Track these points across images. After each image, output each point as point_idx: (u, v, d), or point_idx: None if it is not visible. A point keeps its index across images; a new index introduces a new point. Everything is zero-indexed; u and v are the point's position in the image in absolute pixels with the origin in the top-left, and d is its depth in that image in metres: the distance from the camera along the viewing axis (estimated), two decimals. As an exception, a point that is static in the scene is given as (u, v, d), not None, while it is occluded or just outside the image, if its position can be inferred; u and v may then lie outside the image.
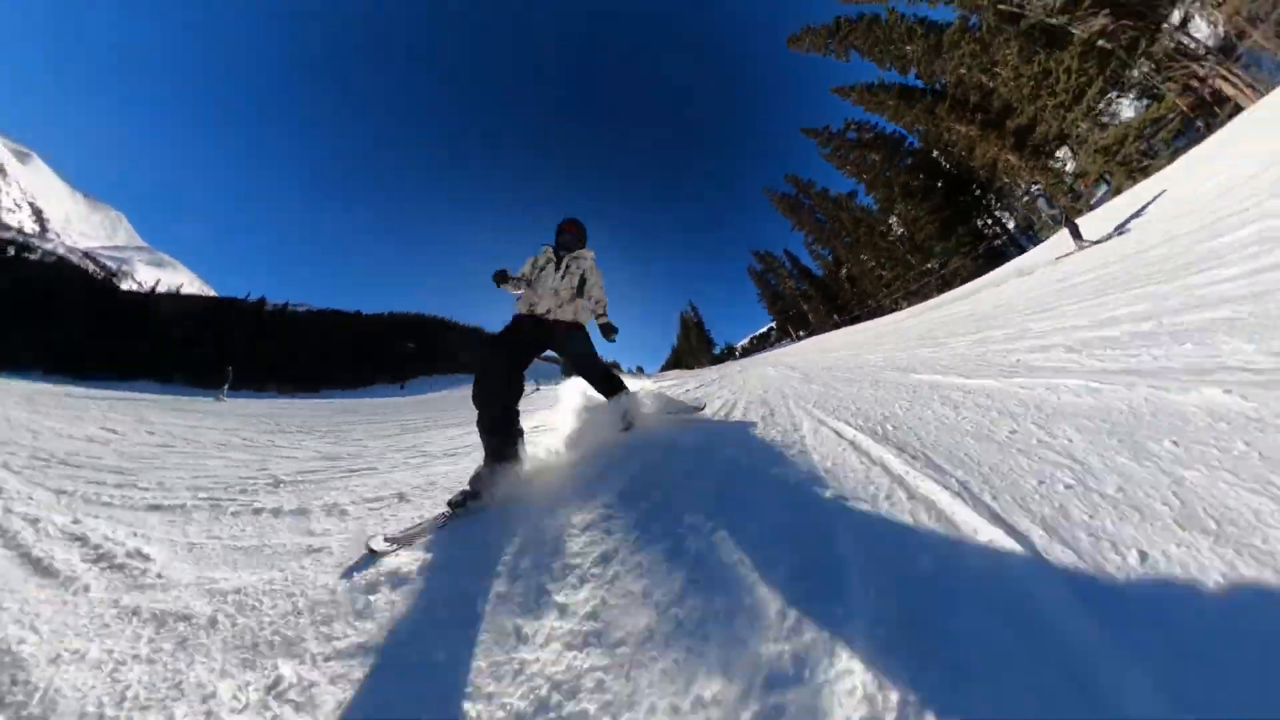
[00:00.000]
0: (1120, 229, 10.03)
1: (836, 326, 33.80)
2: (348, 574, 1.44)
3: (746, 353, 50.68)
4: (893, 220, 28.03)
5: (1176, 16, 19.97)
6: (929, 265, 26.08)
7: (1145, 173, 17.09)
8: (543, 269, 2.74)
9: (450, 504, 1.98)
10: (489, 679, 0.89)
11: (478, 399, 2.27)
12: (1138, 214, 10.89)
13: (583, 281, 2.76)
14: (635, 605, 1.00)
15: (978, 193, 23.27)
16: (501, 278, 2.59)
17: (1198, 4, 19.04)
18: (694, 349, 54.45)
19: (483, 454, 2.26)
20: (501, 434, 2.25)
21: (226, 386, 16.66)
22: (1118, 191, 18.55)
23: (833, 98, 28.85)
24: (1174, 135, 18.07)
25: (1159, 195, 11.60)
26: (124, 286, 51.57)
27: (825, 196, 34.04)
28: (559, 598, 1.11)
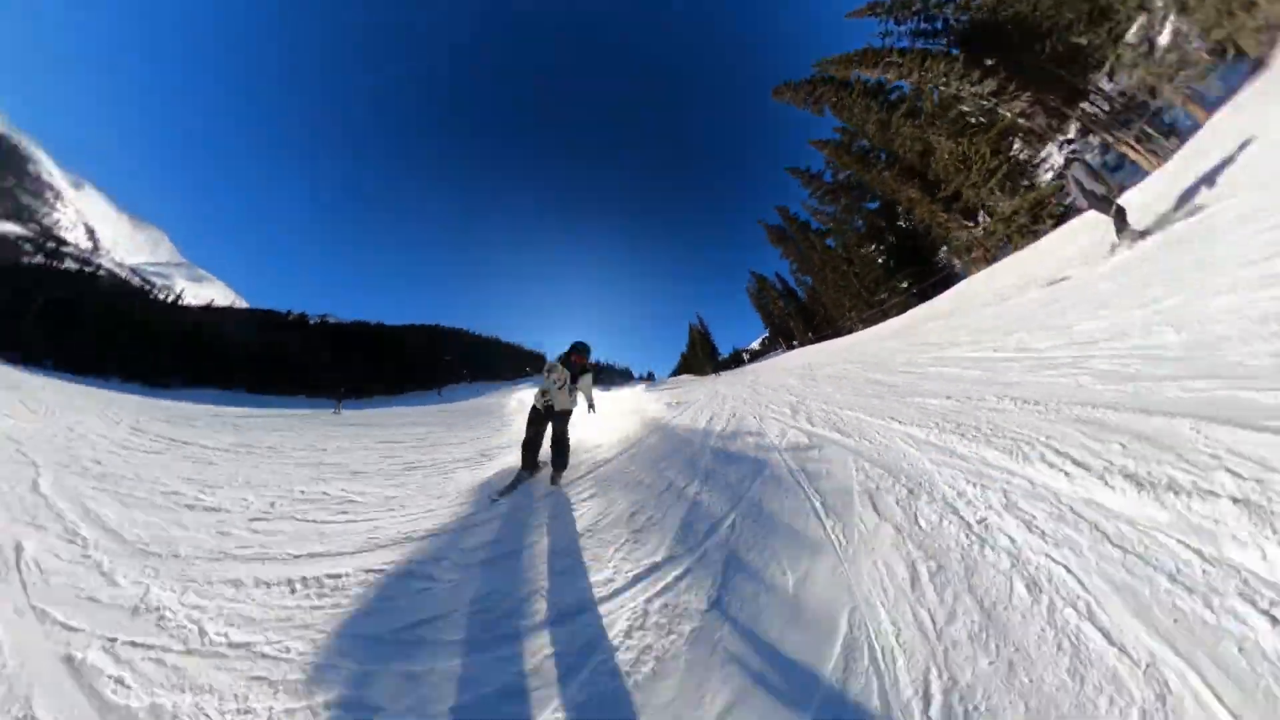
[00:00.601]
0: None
1: (811, 343, 38.97)
2: (485, 504, 4.20)
3: (756, 357, 56.06)
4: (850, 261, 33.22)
5: (1105, 82, 24.00)
6: (880, 297, 31.13)
7: (1035, 237, 21.84)
8: (560, 388, 4.93)
9: (509, 485, 4.66)
10: (537, 531, 3.29)
11: (524, 446, 4.95)
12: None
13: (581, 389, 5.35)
14: (610, 510, 3.51)
15: (916, 242, 28.35)
16: (543, 394, 4.87)
17: (1123, 66, 20.82)
18: (699, 358, 60.63)
19: (520, 463, 5.01)
20: (532, 461, 4.99)
21: (339, 403, 24.23)
22: (1017, 248, 23.27)
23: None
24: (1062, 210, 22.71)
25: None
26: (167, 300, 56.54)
27: (806, 232, 39.17)
28: (576, 510, 3.70)
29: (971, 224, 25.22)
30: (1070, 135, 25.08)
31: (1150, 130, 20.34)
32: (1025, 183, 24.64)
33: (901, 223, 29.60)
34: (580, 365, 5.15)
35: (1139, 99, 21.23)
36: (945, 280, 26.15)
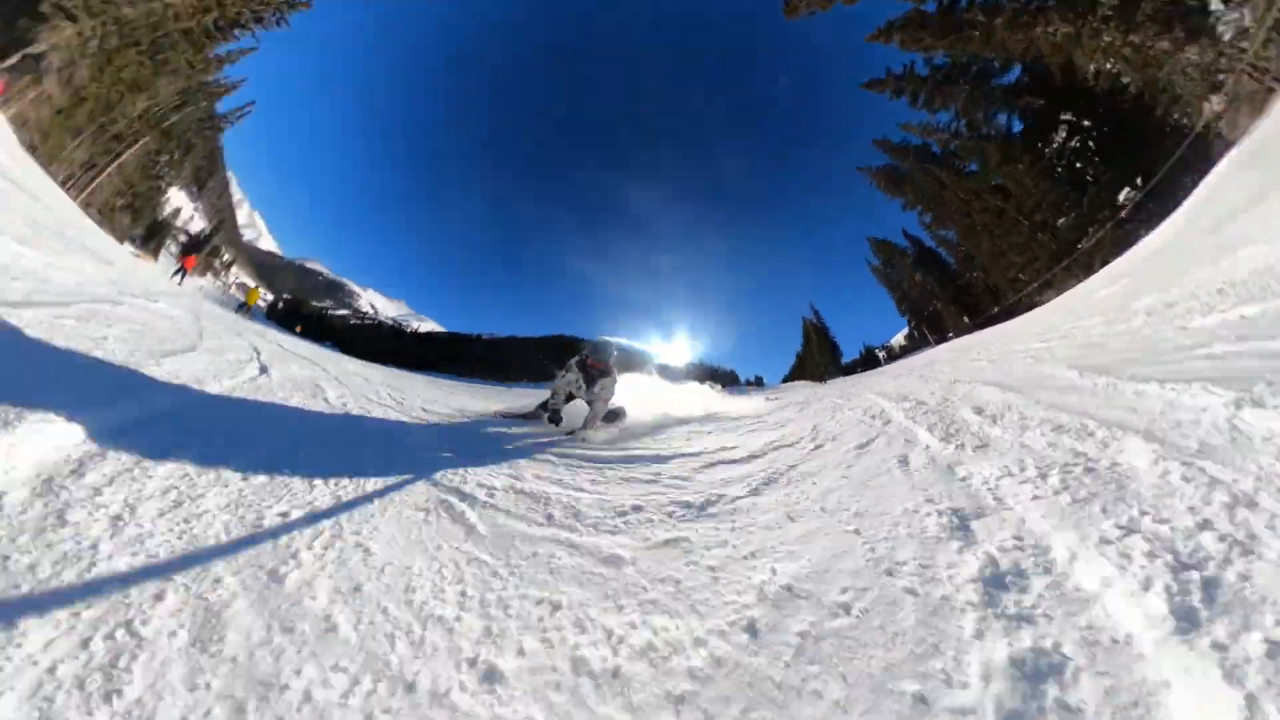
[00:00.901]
0: None
1: (970, 330, 24.50)
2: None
3: (893, 358, 40.84)
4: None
5: None
6: (1075, 235, 16.65)
7: None
8: (567, 399, 4.99)
9: (529, 413, 5.24)
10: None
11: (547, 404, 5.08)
12: None
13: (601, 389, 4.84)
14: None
15: (1117, 111, 13.67)
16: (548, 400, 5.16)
17: None
18: (816, 359, 47.03)
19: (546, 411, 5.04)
20: (555, 416, 4.94)
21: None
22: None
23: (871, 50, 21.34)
24: None
25: None
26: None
27: (926, 159, 25.44)
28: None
29: (1205, 40, 10.11)
30: None
31: None
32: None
33: (1064, 85, 15.37)
34: (598, 370, 4.73)
35: None
36: (1206, 151, 11.53)
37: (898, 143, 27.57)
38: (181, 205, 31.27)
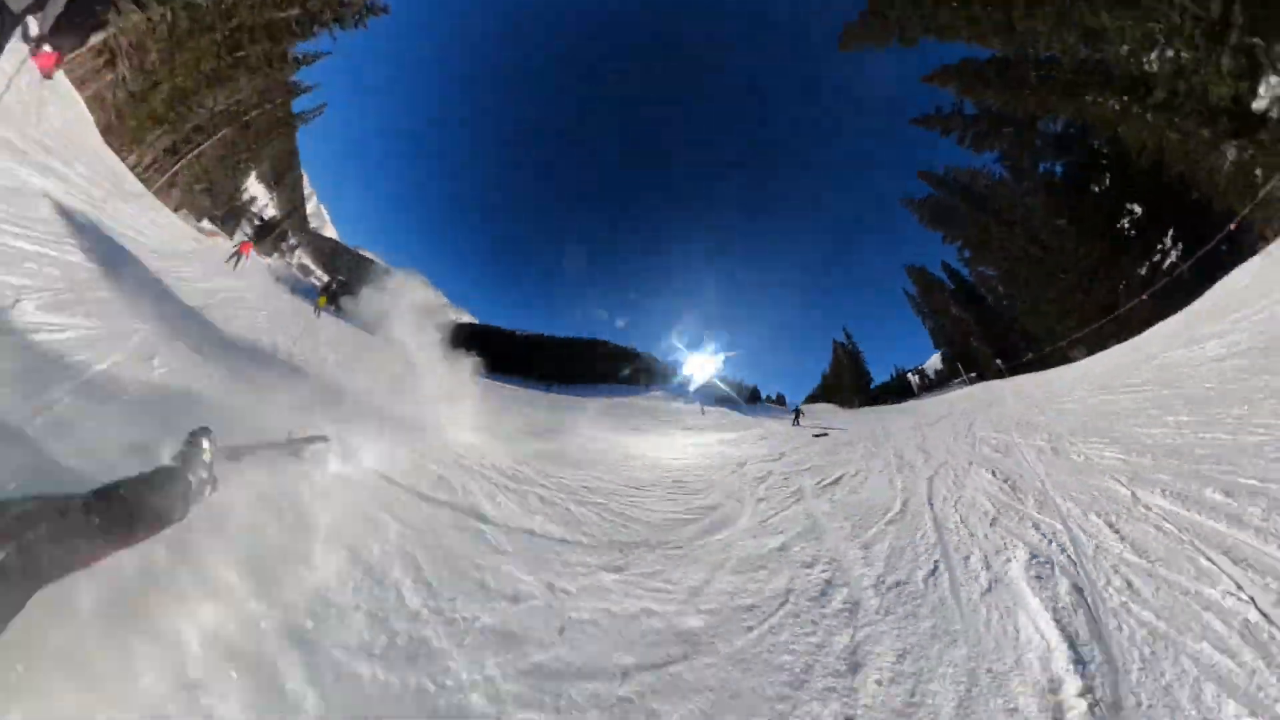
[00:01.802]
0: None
1: (999, 375, 24.34)
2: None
3: (926, 390, 40.33)
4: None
5: None
6: (1110, 292, 16.55)
7: None
8: None
9: None
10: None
11: None
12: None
13: None
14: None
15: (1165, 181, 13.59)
16: None
17: None
18: (844, 385, 46.57)
19: None
20: None
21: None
22: None
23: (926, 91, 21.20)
24: None
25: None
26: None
27: (970, 198, 25.21)
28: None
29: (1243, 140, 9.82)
30: None
31: None
32: None
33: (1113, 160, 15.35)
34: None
35: None
36: (1236, 246, 11.58)
37: (943, 174, 27.33)
38: (258, 194, 34.07)
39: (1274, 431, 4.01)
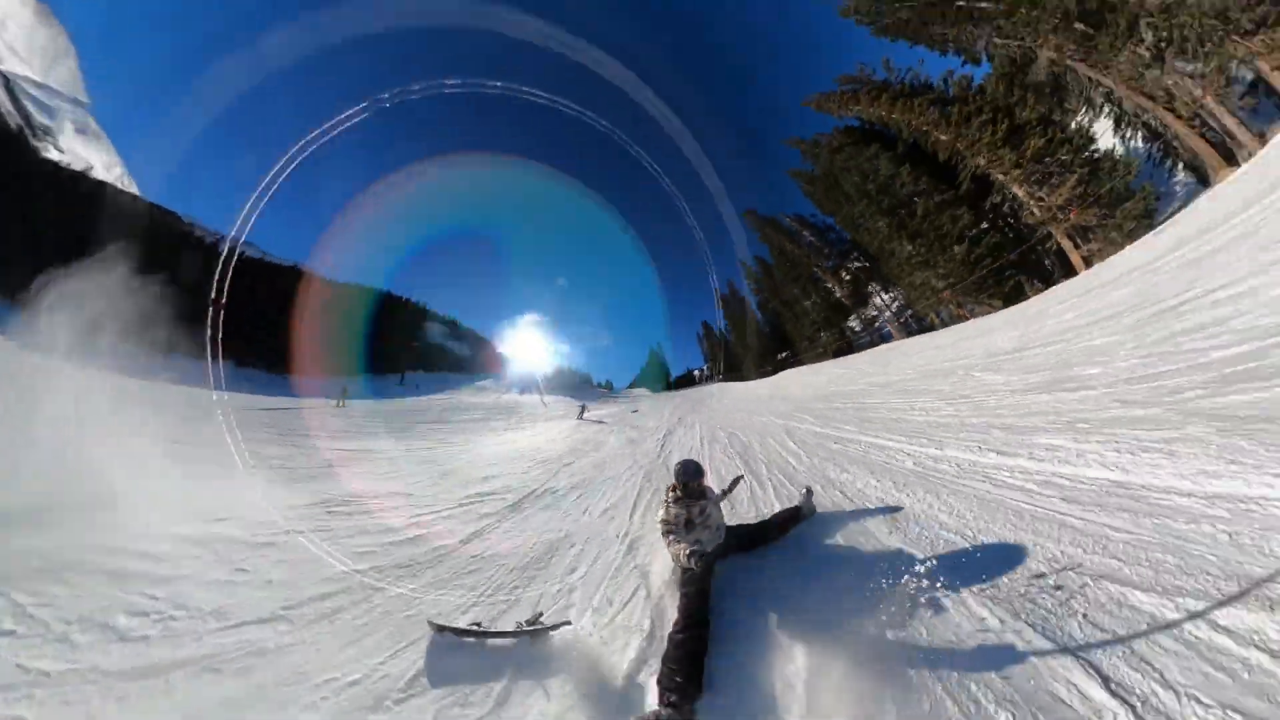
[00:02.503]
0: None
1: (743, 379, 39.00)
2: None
3: (703, 383, 58.26)
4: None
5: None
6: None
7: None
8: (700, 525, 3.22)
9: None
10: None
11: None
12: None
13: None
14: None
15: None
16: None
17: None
18: (654, 377, 68.76)
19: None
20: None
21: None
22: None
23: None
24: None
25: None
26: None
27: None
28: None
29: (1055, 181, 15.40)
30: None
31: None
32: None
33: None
34: (700, 489, 3.44)
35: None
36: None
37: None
38: None
39: (892, 409, 9.14)
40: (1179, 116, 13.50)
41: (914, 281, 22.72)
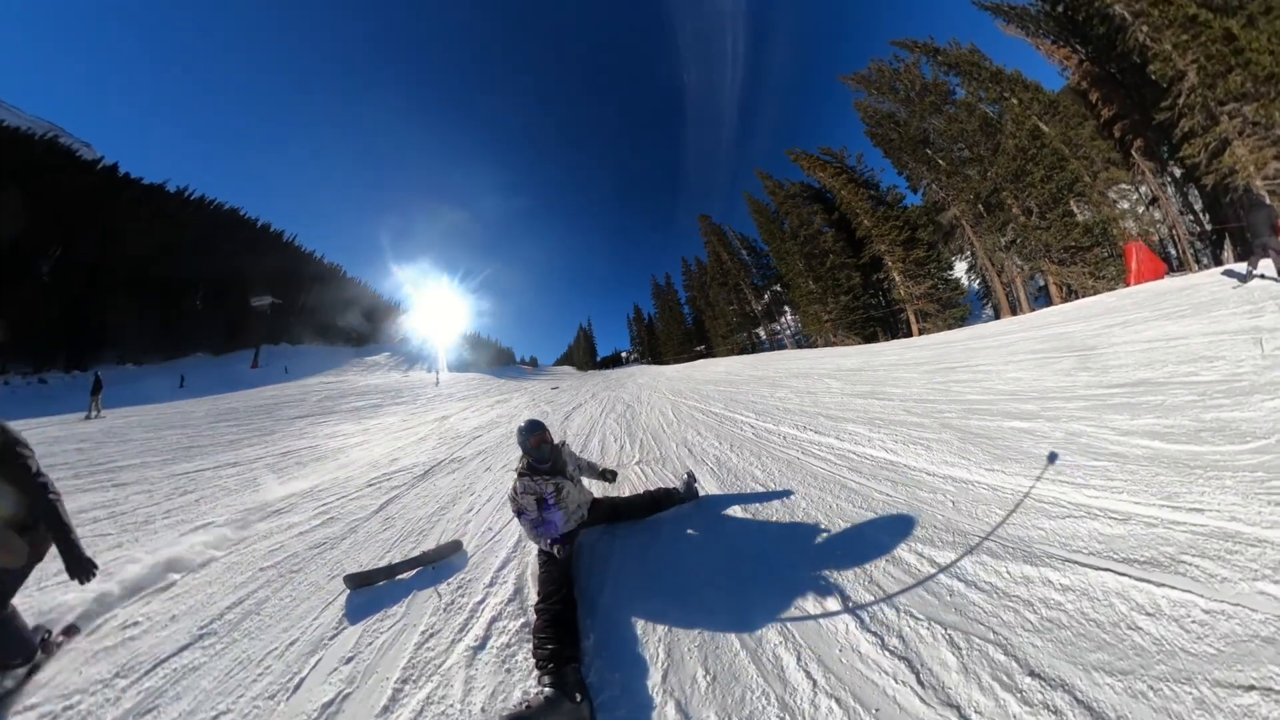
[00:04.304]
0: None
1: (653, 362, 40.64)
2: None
3: (629, 364, 58.08)
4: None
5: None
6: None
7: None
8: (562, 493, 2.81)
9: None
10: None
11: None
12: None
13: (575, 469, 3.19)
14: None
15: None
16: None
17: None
18: (580, 355, 63.66)
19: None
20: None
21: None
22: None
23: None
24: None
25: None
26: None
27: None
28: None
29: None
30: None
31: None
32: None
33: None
34: (548, 453, 2.90)
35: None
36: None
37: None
38: None
39: (757, 395, 11.67)
40: (1000, 281, 22.54)
41: (809, 311, 29.28)
